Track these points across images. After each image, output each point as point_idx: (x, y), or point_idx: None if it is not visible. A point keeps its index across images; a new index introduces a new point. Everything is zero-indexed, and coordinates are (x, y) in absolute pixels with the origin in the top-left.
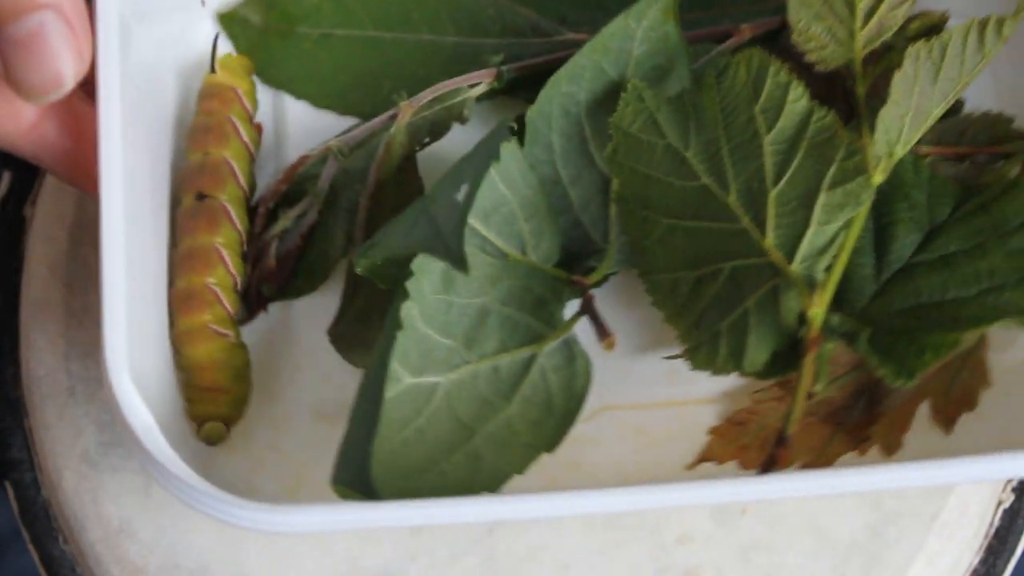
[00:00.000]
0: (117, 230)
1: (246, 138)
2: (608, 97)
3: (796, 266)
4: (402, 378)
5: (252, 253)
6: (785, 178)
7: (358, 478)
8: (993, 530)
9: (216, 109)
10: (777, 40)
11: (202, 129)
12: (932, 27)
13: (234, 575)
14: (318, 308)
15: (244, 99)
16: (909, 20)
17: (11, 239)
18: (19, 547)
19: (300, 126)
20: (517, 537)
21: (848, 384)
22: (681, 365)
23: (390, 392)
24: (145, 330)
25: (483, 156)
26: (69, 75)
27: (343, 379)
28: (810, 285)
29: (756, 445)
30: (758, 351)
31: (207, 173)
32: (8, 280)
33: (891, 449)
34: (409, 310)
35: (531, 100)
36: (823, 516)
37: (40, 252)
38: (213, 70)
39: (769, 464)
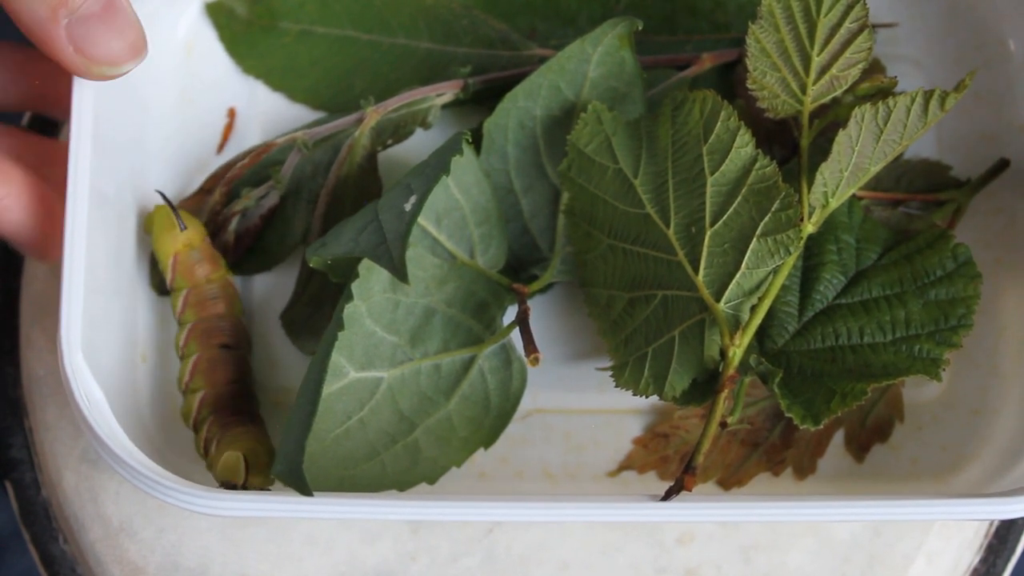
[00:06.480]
0: (80, 218)
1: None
2: (563, 114)
3: (723, 305)
4: (347, 372)
5: (212, 227)
6: (722, 220)
7: (291, 471)
8: (993, 530)
9: (210, 272)
10: (735, 70)
11: (210, 298)
12: (880, 90)
13: (234, 575)
14: (274, 292)
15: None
16: (859, 80)
17: None
18: (19, 547)
19: (270, 112)
20: (517, 536)
21: (767, 408)
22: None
23: (334, 385)
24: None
25: (435, 167)
26: (139, 48)
27: (291, 363)
28: (734, 325)
29: (676, 458)
30: (679, 378)
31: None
32: (8, 280)
33: (804, 473)
34: (356, 307)
35: (494, 109)
36: None
37: None
38: (183, 227)
39: (676, 488)
